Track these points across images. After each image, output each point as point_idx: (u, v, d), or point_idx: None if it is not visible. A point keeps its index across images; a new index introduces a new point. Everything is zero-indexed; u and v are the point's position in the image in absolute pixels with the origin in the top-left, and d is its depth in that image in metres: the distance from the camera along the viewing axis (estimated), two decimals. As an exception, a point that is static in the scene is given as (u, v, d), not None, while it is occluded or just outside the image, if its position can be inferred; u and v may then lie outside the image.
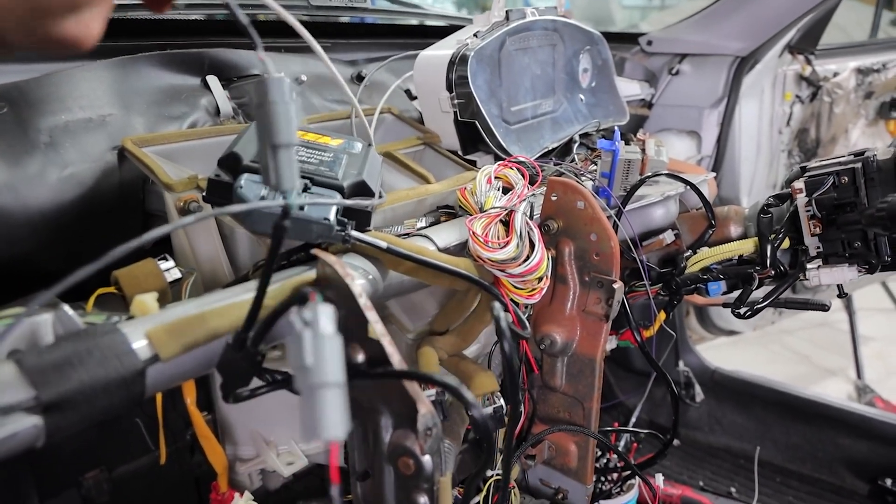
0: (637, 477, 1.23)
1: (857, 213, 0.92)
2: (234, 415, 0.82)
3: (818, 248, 0.99)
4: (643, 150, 1.17)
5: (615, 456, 1.27)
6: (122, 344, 0.55)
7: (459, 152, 1.15)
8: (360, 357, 0.62)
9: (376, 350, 0.60)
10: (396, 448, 0.67)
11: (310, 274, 0.66)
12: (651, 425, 1.85)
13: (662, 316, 1.15)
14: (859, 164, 0.95)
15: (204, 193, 0.80)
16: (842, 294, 1.04)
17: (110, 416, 0.55)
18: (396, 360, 0.59)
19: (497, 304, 0.54)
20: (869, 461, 1.60)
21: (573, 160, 1.22)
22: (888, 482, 1.54)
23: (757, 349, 3.08)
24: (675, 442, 1.82)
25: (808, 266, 1.01)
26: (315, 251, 0.65)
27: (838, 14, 1.76)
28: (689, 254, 1.09)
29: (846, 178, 0.96)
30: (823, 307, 1.08)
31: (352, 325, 0.63)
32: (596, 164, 1.11)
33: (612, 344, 1.14)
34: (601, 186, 1.09)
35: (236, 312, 0.61)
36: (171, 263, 0.78)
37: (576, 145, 1.25)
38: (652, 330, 1.14)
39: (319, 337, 0.48)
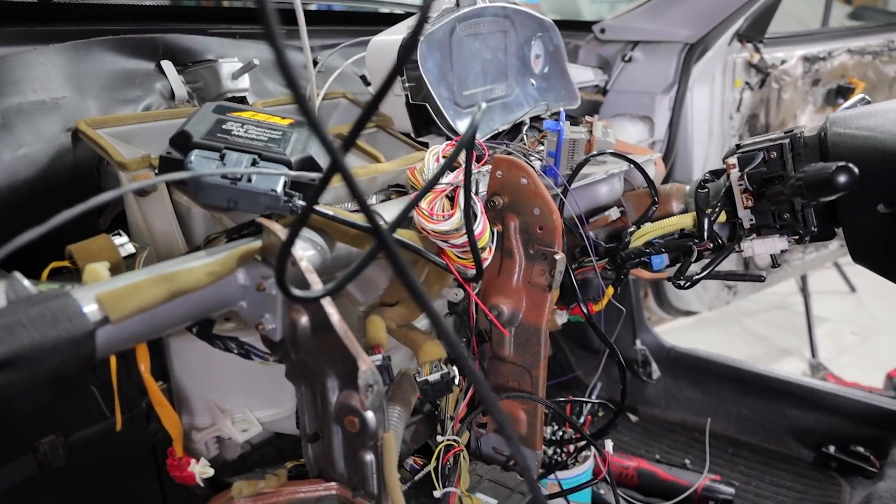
0: (591, 448, 1.28)
1: (782, 185, 0.97)
2: (189, 385, 0.85)
3: (751, 220, 1.05)
4: (590, 132, 1.22)
5: (571, 430, 1.32)
6: (72, 306, 0.57)
7: (412, 135, 1.18)
8: (304, 319, 0.66)
9: (318, 311, 0.64)
10: (343, 408, 0.70)
11: (256, 244, 0.69)
12: (609, 402, 1.90)
13: (611, 291, 1.19)
14: (787, 141, 1.01)
15: (157, 172, 0.82)
16: (775, 264, 1.09)
17: (63, 376, 0.58)
18: (336, 319, 0.62)
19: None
20: (814, 430, 1.67)
21: (522, 141, 1.26)
22: (832, 449, 1.61)
23: (717, 331, 3.17)
24: (634, 418, 1.88)
25: (743, 238, 1.06)
26: (260, 219, 0.68)
27: (794, 4, 1.82)
28: (633, 229, 1.14)
29: (775, 154, 1.01)
30: (759, 278, 1.14)
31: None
32: (543, 145, 1.16)
33: (562, 318, 1.18)
34: (548, 165, 1.13)
35: (185, 278, 0.63)
36: (125, 239, 0.80)
37: (525, 128, 1.29)
38: (601, 304, 1.19)
39: None
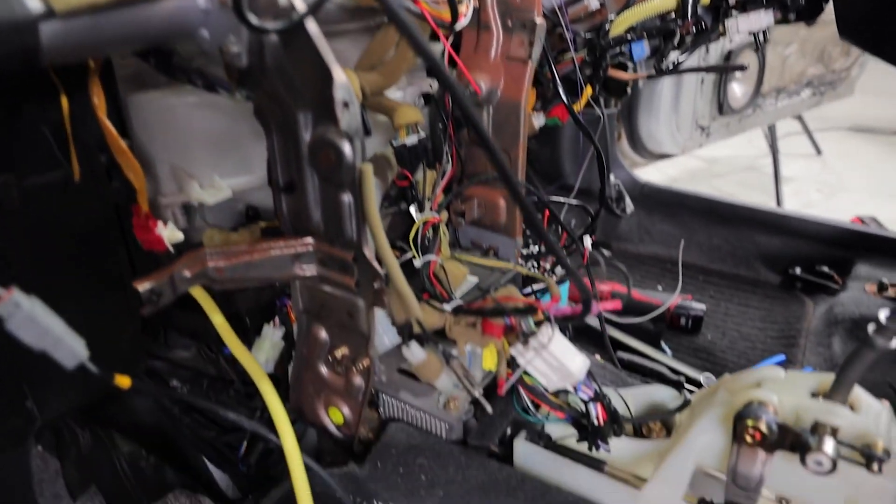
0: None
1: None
2: (152, 148, 0.80)
3: (738, -6, 1.01)
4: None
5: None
6: (9, -7, 0.51)
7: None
8: (273, 35, 0.60)
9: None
10: (317, 142, 0.67)
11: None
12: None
13: (589, 90, 1.16)
14: None
15: None
16: (758, 47, 1.06)
17: (6, 73, 0.53)
18: (311, 27, 0.57)
19: None
20: (781, 254, 1.71)
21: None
22: (797, 270, 1.66)
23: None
24: (607, 253, 1.89)
25: (728, 16, 1.02)
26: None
27: None
28: (613, 17, 1.09)
29: (767, -83, 0.96)
30: (742, 67, 1.11)
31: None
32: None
33: (539, 120, 1.15)
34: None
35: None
36: None
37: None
38: (580, 104, 1.15)
39: None
